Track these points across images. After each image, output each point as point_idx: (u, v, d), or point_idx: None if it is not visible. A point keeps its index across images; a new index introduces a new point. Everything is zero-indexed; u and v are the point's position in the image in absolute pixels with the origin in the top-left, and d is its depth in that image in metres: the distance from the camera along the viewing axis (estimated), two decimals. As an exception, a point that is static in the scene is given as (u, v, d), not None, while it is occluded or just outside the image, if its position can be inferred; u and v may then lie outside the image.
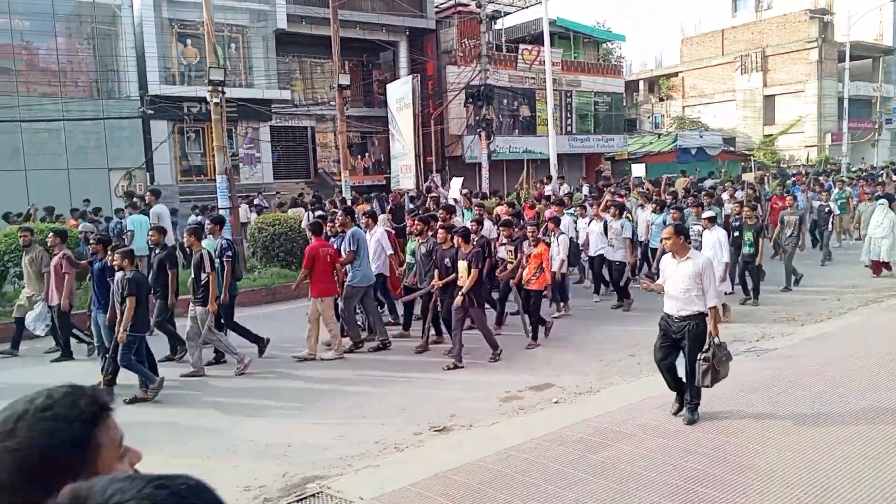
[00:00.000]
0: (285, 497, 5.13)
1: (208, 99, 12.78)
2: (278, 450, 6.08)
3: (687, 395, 5.91)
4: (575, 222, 12.42)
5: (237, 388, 7.96)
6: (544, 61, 28.61)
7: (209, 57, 12.84)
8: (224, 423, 6.83)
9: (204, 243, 8.69)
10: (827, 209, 15.34)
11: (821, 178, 23.87)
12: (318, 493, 5.10)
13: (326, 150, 28.40)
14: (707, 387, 5.71)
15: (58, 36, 21.20)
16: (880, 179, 23.90)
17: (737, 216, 11.42)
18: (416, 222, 9.82)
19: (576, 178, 28.03)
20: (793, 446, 5.20)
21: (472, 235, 9.21)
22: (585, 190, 17.85)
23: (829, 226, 15.33)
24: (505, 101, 29.46)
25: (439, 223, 9.34)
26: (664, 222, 11.12)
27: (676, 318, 5.92)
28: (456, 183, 14.53)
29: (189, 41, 23.12)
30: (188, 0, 22.22)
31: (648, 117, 48.44)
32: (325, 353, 8.90)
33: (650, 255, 12.40)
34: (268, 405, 7.34)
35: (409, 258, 10.24)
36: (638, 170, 19.12)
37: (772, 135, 42.95)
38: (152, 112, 21.56)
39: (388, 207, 15.55)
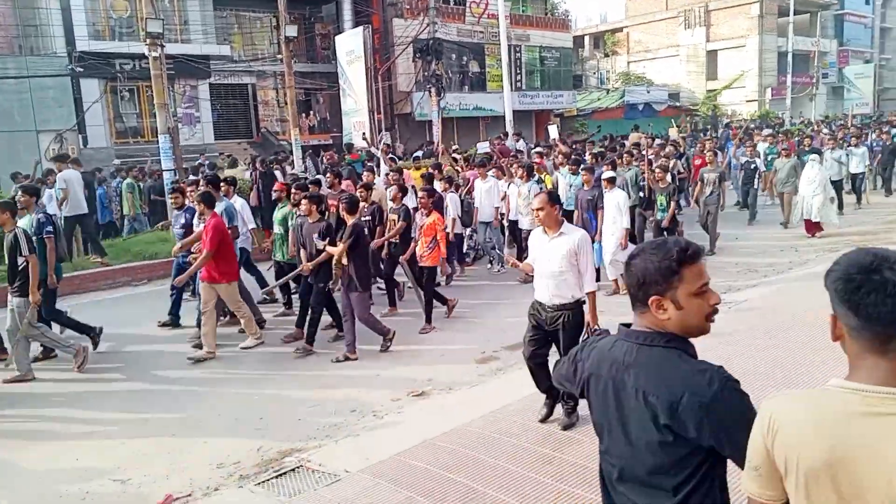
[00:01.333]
0: (262, 473, 4.83)
1: (147, 53, 11.91)
2: (249, 423, 5.75)
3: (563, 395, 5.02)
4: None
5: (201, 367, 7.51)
6: (493, 14, 28.06)
7: (145, 8, 11.92)
8: (188, 396, 6.43)
9: (21, 221, 7.20)
10: (753, 165, 14.50)
11: (757, 131, 23.96)
12: (297, 468, 4.81)
13: (268, 108, 27.29)
14: None
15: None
16: (809, 132, 24.20)
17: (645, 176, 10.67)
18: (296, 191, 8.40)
19: (528, 134, 27.81)
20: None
21: (363, 204, 8.30)
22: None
23: (755, 183, 14.45)
24: (454, 56, 28.77)
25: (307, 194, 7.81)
26: (583, 185, 10.08)
27: (549, 307, 4.98)
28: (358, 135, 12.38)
29: (118, -7, 21.65)
30: (115, -52, 20.75)
31: (594, 73, 48.40)
32: (246, 342, 7.77)
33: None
34: (233, 377, 6.94)
35: (277, 229, 8.98)
36: (553, 131, 17.85)
37: (715, 90, 43.53)
38: (82, 70, 20.17)
39: (323, 168, 14.92)
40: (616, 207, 8.89)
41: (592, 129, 30.48)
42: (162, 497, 4.55)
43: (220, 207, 8.09)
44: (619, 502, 2.02)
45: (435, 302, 8.30)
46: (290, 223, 8.54)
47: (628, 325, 2.01)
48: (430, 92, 24.72)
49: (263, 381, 6.74)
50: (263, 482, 4.64)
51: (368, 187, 9.13)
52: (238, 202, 9.26)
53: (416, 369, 6.81)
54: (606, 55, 49.42)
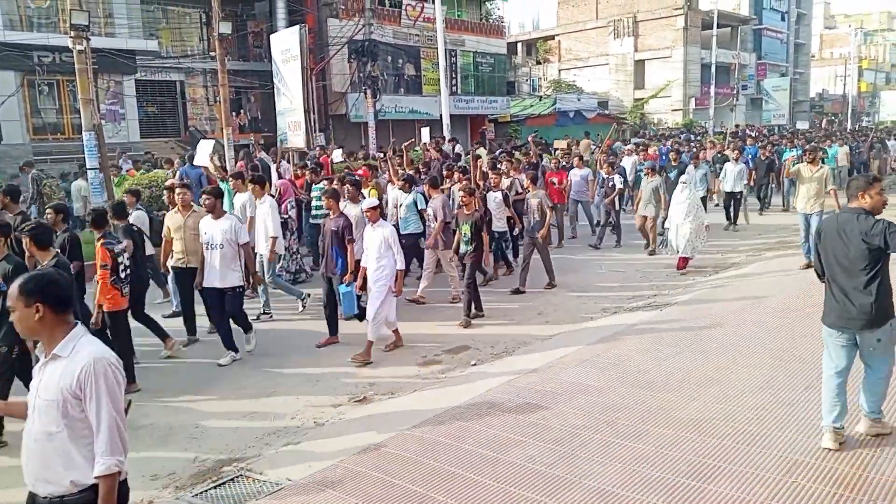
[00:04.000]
0: (199, 483, 4.68)
1: (70, 46, 11.34)
2: (184, 432, 5.56)
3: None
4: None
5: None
6: (428, 18, 28.14)
7: (69, -2, 11.38)
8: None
9: None
10: (611, 183, 13.01)
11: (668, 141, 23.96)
12: (237, 477, 4.69)
13: (197, 106, 26.51)
14: None
15: None
16: (693, 141, 23.58)
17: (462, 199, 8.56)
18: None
19: (463, 140, 27.97)
20: (716, 397, 5.35)
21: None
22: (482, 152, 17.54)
23: (617, 204, 13.10)
24: (389, 58, 28.69)
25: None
26: (415, 203, 9.77)
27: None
28: (205, 146, 11.14)
29: (37, -19, 20.60)
30: (34, -66, 19.74)
31: (526, 80, 49.19)
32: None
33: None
34: (165, 386, 6.69)
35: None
36: (425, 133, 16.78)
37: (642, 99, 44.94)
38: (-4, 61, 19.09)
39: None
40: (384, 243, 7.15)
41: (527, 134, 30.94)
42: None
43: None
44: (835, 291, 4.33)
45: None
46: None
47: None
48: (365, 94, 24.60)
49: (197, 391, 6.53)
50: (201, 493, 4.50)
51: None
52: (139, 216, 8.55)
53: (357, 374, 6.75)
54: (538, 62, 50.29)
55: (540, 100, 39.32)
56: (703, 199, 13.09)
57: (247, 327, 7.43)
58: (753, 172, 16.31)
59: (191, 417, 5.83)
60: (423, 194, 9.97)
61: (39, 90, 20.99)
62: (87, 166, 11.90)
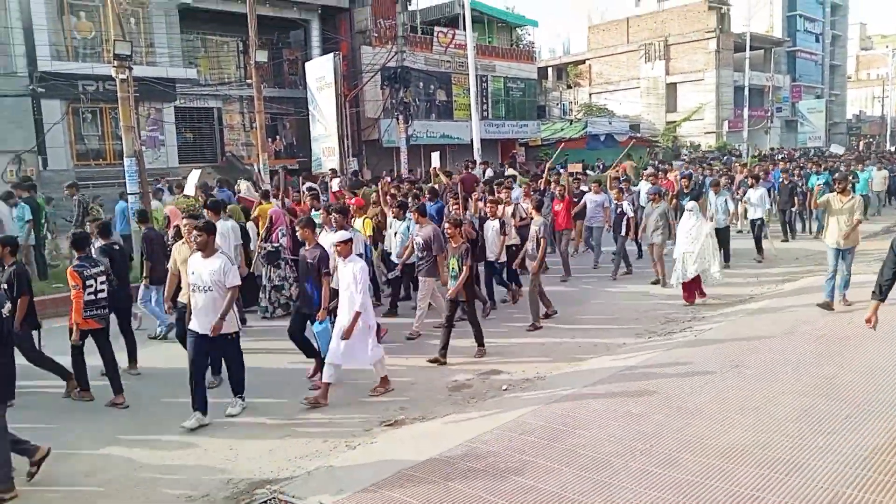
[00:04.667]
0: (233, 506, 4.71)
1: (114, 75, 11.73)
2: (219, 453, 5.61)
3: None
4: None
5: (161, 392, 7.32)
6: (460, 44, 28.48)
7: (114, 29, 11.79)
8: (153, 428, 6.24)
9: None
10: (619, 209, 12.82)
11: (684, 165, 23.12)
12: (270, 500, 4.72)
13: (234, 132, 27.12)
14: None
15: (-72, 4, 19.05)
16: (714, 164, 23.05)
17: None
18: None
19: (493, 163, 28.07)
20: (755, 426, 5.24)
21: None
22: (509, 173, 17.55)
23: (623, 230, 12.59)
24: (421, 84, 29.07)
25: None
26: (408, 229, 9.65)
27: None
28: (193, 176, 11.40)
29: (83, 14, 21.39)
30: (80, -31, 20.55)
31: (557, 104, 49.34)
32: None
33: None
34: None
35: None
36: (435, 159, 16.66)
37: (674, 121, 44.72)
38: (43, 90, 19.80)
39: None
40: (353, 280, 6.62)
41: (559, 158, 30.95)
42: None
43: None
44: None
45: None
46: None
47: None
48: (397, 119, 24.89)
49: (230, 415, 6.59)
50: (235, 515, 4.53)
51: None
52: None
53: (388, 397, 6.76)
54: (569, 86, 50.45)
55: (571, 123, 39.39)
56: (725, 230, 12.54)
57: (239, 386, 6.52)
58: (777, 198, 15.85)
59: (225, 439, 5.89)
60: None
61: (83, 117, 21.69)
62: (128, 191, 12.22)
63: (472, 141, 19.69)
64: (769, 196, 15.11)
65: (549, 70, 51.87)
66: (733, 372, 6.65)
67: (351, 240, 7.01)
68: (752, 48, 39.13)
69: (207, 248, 6.19)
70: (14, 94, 19.34)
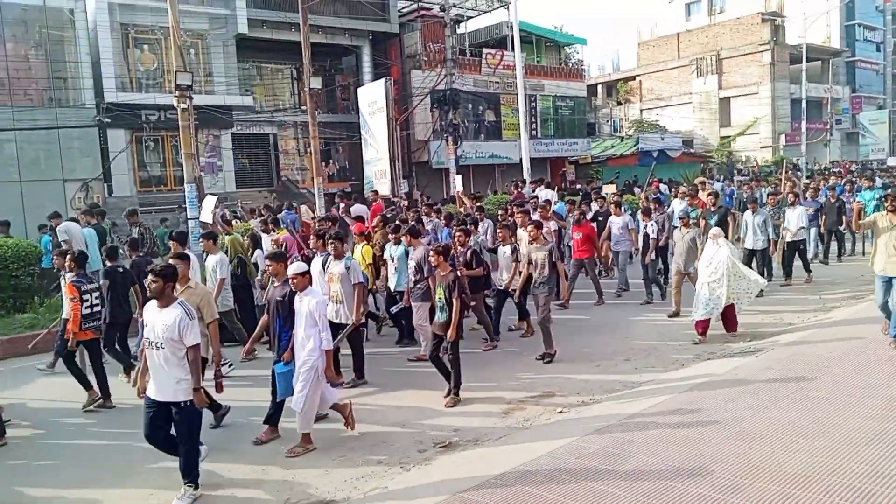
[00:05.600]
0: (291, 526, 4.77)
1: (175, 104, 12.22)
2: (277, 473, 5.70)
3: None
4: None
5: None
6: (508, 65, 28.64)
7: (175, 61, 12.30)
8: (210, 447, 6.37)
9: None
10: (646, 231, 11.92)
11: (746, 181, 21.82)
12: (328, 521, 4.76)
13: (288, 157, 27.87)
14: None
15: (6, 42, 20.22)
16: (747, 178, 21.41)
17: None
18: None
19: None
20: (823, 451, 5.05)
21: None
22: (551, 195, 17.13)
23: (657, 256, 11.86)
24: (470, 105, 29.32)
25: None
26: (406, 254, 9.12)
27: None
28: (209, 202, 11.31)
29: (146, 47, 22.38)
30: (143, 5, 21.53)
31: (607, 121, 48.98)
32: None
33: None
34: (256, 425, 6.88)
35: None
36: (458, 182, 16.86)
37: (729, 136, 43.83)
38: (109, 121, 20.75)
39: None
40: (309, 316, 6.08)
41: (609, 176, 30.69)
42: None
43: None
44: None
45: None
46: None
47: None
48: (447, 141, 25.13)
49: (287, 434, 6.68)
50: (293, 536, 4.59)
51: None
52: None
53: (441, 419, 6.76)
54: (619, 103, 50.06)
55: (622, 140, 39.01)
56: (762, 252, 11.74)
57: (190, 469, 5.21)
58: (823, 217, 14.44)
59: (283, 459, 5.98)
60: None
61: (146, 145, 22.61)
62: (188, 216, 12.64)
63: (521, 160, 19.71)
64: (817, 216, 14.15)
65: (599, 87, 51.61)
66: (796, 394, 6.43)
67: (307, 272, 6.33)
68: (808, 59, 38.18)
69: (163, 297, 5.18)
70: (83, 125, 20.31)
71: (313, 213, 12.14)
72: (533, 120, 31.21)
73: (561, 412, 6.74)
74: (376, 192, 16.55)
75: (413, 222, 10.44)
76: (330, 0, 24.52)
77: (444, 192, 26.16)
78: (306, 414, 6.02)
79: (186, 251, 7.57)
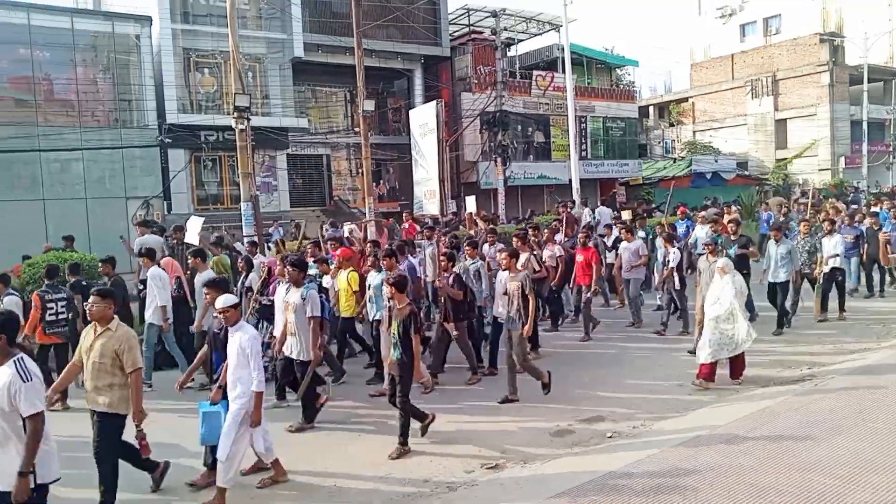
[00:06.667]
0: (339, 542, 4.81)
1: (233, 125, 12.65)
2: (322, 490, 5.77)
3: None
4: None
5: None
6: (558, 87, 28.66)
7: (234, 84, 12.73)
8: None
9: None
10: (667, 258, 10.86)
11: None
12: (375, 538, 4.79)
13: (341, 177, 28.37)
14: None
15: (77, 66, 21.26)
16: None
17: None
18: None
19: (592, 203, 27.84)
20: (889, 486, 4.86)
21: None
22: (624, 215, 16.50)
23: (677, 282, 10.72)
24: (519, 127, 29.41)
25: None
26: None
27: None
28: (195, 223, 11.18)
29: (206, 70, 23.20)
30: (205, 30, 22.36)
31: (659, 143, 48.36)
32: None
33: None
34: (300, 441, 6.99)
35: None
36: (470, 203, 16.30)
37: (785, 159, 42.75)
38: (170, 141, 21.53)
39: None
40: (241, 353, 5.58)
41: (661, 197, 30.25)
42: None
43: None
44: None
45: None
46: None
47: None
48: (495, 161, 25.22)
49: (335, 449, 6.76)
50: (341, 552, 4.63)
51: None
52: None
53: (488, 439, 6.74)
54: (671, 125, 49.41)
55: (674, 161, 38.45)
56: (783, 286, 10.67)
57: None
58: (866, 247, 13.28)
59: (328, 477, 6.04)
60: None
61: (204, 165, 23.34)
62: (244, 234, 12.98)
63: (570, 181, 19.62)
64: (857, 244, 13.10)
65: (651, 108, 51.04)
66: (859, 426, 6.20)
67: (236, 305, 5.77)
68: (870, 80, 37.06)
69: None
70: (146, 145, 21.14)
71: (360, 231, 12.22)
72: (583, 141, 31.10)
73: (611, 437, 6.64)
74: (410, 213, 16.34)
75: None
76: (383, 25, 25.01)
77: (491, 211, 26.20)
78: (227, 465, 5.35)
79: (111, 288, 6.37)
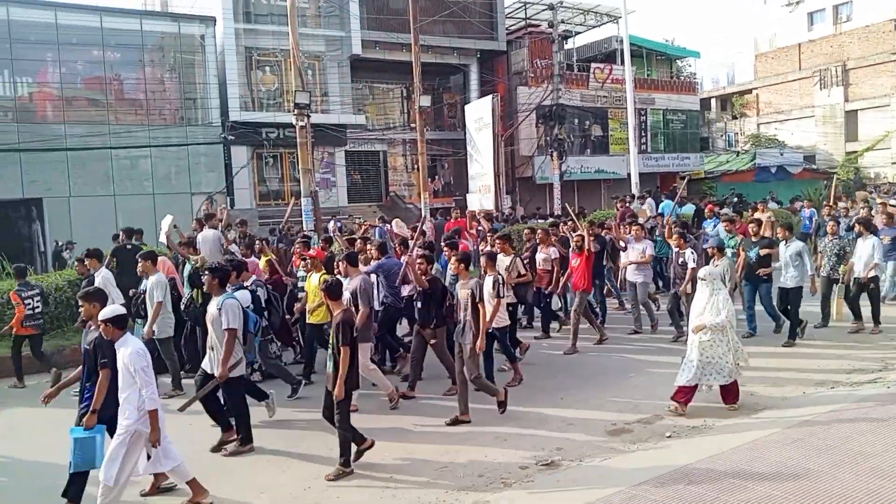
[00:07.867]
0: (395, 534, 4.88)
1: (294, 122, 12.93)
2: (378, 482, 5.85)
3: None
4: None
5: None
6: (616, 80, 28.21)
7: (294, 81, 13.00)
8: (324, 451, 6.64)
9: None
10: (681, 260, 9.77)
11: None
12: (430, 530, 4.84)
13: (397, 173, 28.67)
14: None
15: (145, 66, 22.08)
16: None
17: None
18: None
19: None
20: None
21: None
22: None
23: (688, 286, 9.44)
24: (576, 120, 29.08)
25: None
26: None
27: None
28: (166, 221, 10.66)
29: (267, 69, 23.75)
30: (266, 29, 22.89)
31: (721, 136, 47.03)
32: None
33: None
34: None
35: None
36: (474, 200, 14.96)
37: (856, 151, 40.98)
38: (233, 138, 22.16)
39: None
40: (125, 371, 5.17)
41: (723, 192, 29.47)
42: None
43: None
44: None
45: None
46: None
47: None
48: (551, 156, 25.02)
49: (391, 441, 6.82)
50: (397, 543, 4.69)
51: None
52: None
53: (543, 436, 6.70)
54: (734, 117, 47.97)
55: (737, 155, 37.39)
56: (789, 293, 9.66)
57: None
58: None
59: (384, 468, 6.12)
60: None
61: (265, 161, 23.93)
62: (304, 229, 13.25)
63: (628, 175, 19.31)
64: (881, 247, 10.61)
65: (713, 101, 49.66)
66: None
67: (118, 317, 5.16)
68: (950, 68, 35.14)
69: None
70: (210, 142, 21.82)
71: (409, 227, 12.05)
72: (643, 134, 30.55)
73: (670, 436, 6.52)
74: (457, 209, 16.04)
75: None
76: (440, 20, 25.09)
77: (547, 206, 26.01)
78: (116, 490, 4.96)
79: (97, 289, 6.04)
